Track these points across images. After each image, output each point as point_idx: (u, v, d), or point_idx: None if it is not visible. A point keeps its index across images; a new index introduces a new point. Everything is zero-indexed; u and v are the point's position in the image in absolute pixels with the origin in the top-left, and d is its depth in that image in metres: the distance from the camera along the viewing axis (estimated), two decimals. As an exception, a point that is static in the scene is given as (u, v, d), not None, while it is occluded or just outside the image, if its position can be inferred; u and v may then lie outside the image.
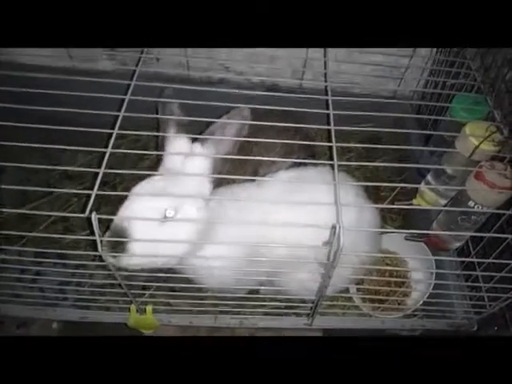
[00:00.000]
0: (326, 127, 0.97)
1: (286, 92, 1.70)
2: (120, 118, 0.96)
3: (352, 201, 1.16)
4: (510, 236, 1.00)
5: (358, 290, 1.47)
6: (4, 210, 1.46)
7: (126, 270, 0.97)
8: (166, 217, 0.96)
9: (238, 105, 1.09)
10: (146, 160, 1.76)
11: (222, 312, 1.20)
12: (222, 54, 1.72)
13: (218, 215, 1.07)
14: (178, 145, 1.08)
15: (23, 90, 1.02)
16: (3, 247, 1.28)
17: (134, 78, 1.07)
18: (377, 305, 1.44)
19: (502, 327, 1.22)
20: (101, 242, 0.85)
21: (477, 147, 1.00)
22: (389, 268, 1.49)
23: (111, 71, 1.84)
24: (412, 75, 1.65)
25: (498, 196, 1.01)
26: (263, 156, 1.31)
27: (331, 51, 1.53)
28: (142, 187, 0.99)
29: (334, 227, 0.82)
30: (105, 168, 0.86)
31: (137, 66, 1.11)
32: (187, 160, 1.05)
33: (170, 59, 1.75)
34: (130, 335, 1.30)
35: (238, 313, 1.20)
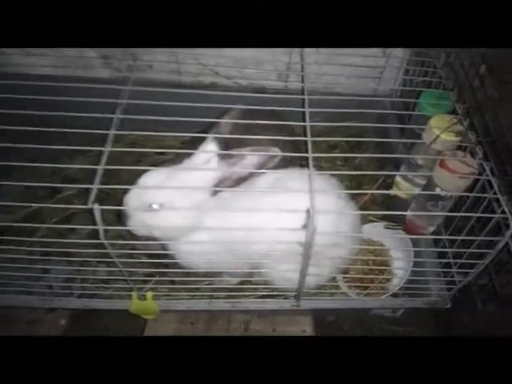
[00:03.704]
0: (302, 123, 1.08)
1: (272, 94, 1.82)
2: (115, 120, 1.07)
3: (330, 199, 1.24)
4: (474, 215, 1.10)
5: (344, 277, 1.57)
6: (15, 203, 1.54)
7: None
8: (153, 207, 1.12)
9: (228, 106, 1.21)
10: (142, 163, 1.85)
11: (215, 297, 1.31)
12: (211, 59, 1.84)
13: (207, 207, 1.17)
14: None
15: (24, 97, 1.13)
16: (12, 247, 1.38)
17: (129, 84, 1.18)
18: (361, 291, 1.54)
19: (472, 305, 1.34)
20: (103, 231, 0.96)
21: (437, 137, 1.11)
22: (372, 257, 1.60)
23: (107, 78, 1.95)
24: (390, 75, 1.77)
25: (460, 181, 1.12)
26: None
27: (312, 56, 1.65)
28: (144, 178, 1.15)
29: (308, 211, 0.93)
30: (103, 170, 0.97)
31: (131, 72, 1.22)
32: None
33: (161, 66, 1.86)
34: (127, 336, 1.39)
35: (231, 297, 1.31)
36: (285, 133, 1.54)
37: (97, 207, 0.92)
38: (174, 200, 1.12)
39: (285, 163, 1.41)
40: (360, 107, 1.21)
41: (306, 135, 1.04)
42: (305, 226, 0.97)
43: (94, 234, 1.02)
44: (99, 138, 1.08)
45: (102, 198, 1.64)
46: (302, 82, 1.21)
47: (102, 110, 1.07)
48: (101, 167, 0.96)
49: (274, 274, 1.29)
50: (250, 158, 1.14)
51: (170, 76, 1.89)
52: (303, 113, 1.10)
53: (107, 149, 1.00)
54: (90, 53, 1.86)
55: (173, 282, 1.42)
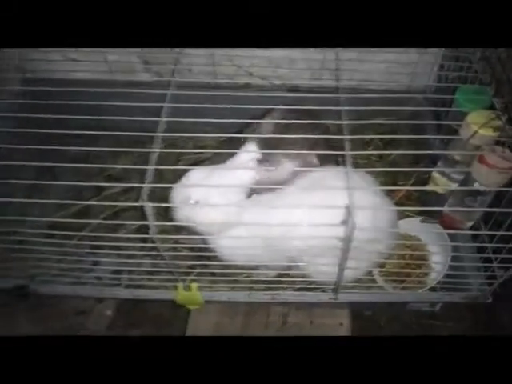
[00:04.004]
0: (338, 122, 1.11)
1: (306, 92, 1.86)
2: (161, 123, 1.15)
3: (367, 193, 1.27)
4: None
5: (381, 271, 1.59)
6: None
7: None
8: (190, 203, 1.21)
9: (265, 106, 1.26)
10: (182, 162, 1.93)
11: (255, 289, 1.37)
12: (246, 60, 1.89)
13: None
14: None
15: (71, 103, 1.22)
16: (63, 241, 1.49)
17: (172, 87, 1.25)
18: (398, 285, 1.56)
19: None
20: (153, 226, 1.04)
21: (475, 132, 1.11)
22: (409, 251, 1.61)
23: (147, 81, 2.05)
24: (424, 70, 1.76)
25: (499, 176, 1.12)
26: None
27: (345, 53, 1.67)
28: (187, 176, 1.25)
29: (347, 207, 0.97)
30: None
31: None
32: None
33: (199, 69, 1.94)
34: (165, 335, 1.47)
35: (270, 289, 1.36)
36: (319, 130, 1.58)
37: (148, 204, 0.99)
38: (211, 197, 1.20)
39: (321, 161, 1.45)
40: (394, 103, 1.23)
41: (342, 133, 1.08)
42: (344, 222, 1.01)
43: (140, 229, 1.10)
44: (137, 138, 1.17)
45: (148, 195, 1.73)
46: (337, 80, 1.24)
47: (144, 113, 1.13)
48: (151, 167, 1.04)
49: (312, 268, 1.33)
50: (287, 165, 1.19)
51: (207, 78, 1.96)
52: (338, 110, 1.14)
53: (157, 150, 1.07)
54: (133, 58, 1.96)
55: (213, 274, 1.49)
